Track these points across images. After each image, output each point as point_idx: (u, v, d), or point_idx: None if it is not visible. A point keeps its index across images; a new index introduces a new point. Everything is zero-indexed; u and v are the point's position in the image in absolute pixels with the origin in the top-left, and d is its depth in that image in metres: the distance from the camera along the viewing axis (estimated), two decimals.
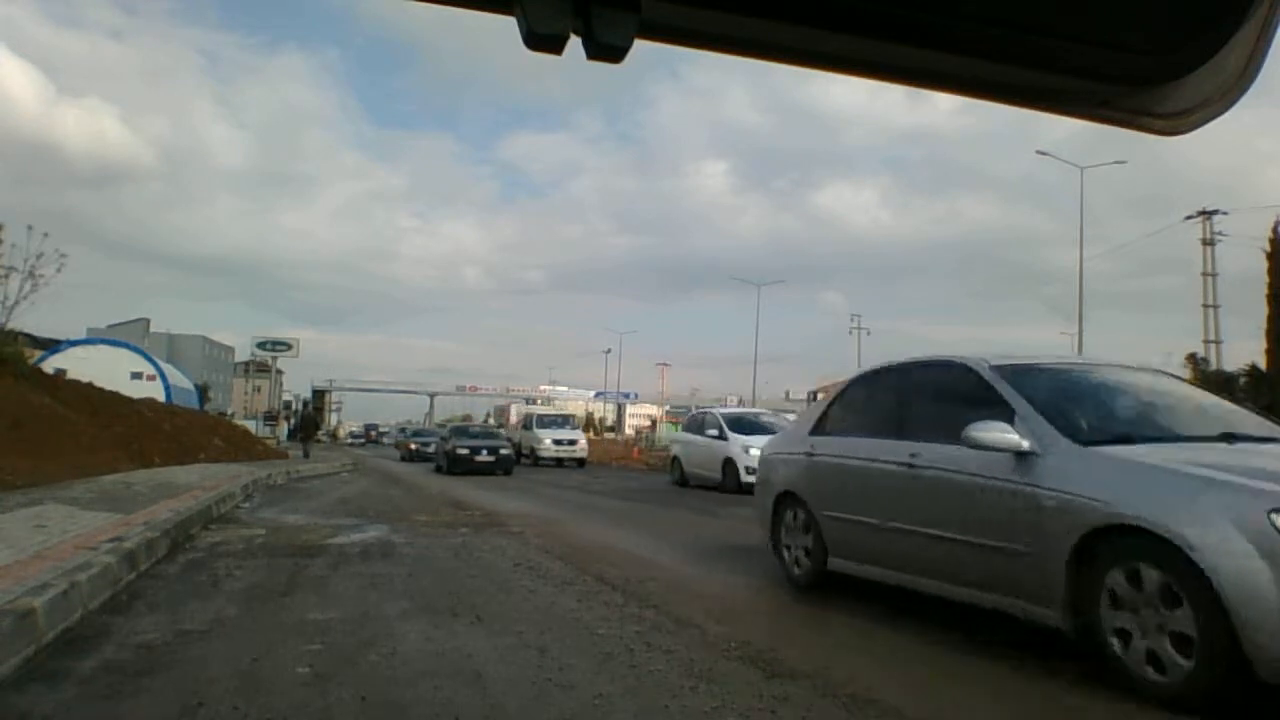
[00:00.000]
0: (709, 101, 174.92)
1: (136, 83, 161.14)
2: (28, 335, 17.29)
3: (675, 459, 17.66)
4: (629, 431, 68.34)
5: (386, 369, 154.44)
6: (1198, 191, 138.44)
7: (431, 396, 77.24)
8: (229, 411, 59.48)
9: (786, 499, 5.74)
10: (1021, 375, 4.38)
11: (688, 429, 18.29)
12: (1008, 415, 4.00)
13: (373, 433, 76.14)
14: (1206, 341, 31.80)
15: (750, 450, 13.85)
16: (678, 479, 17.04)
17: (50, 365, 21.79)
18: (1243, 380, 24.61)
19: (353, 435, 77.88)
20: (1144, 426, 4.15)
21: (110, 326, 51.63)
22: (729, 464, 14.90)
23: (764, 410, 21.04)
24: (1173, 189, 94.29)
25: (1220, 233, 31.87)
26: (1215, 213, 31.76)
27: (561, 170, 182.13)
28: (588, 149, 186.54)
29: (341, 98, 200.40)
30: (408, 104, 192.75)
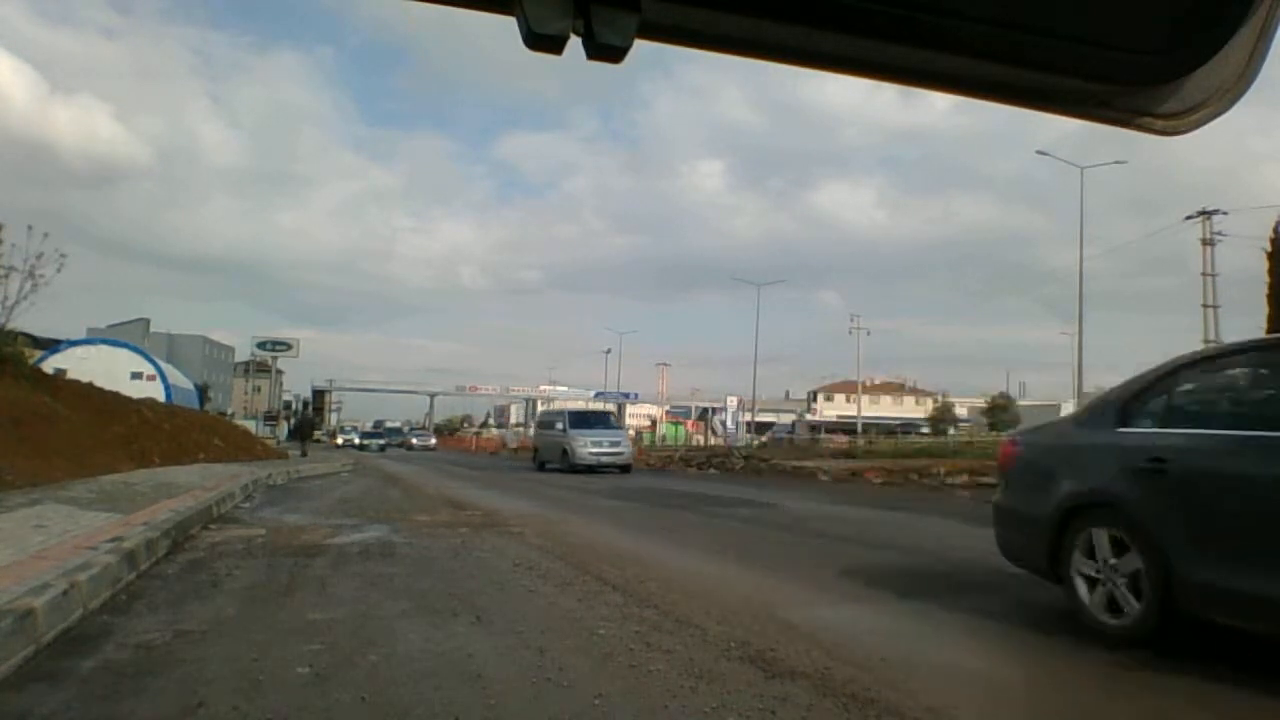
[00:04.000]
0: (704, 101, 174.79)
1: (130, 81, 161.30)
2: (28, 335, 17.27)
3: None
4: (629, 432, 68.06)
5: (386, 369, 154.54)
6: (1192, 192, 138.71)
7: (431, 396, 77.33)
8: (229, 411, 59.38)
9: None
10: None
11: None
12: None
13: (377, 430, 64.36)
14: (1206, 341, 31.83)
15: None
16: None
17: (50, 365, 21.79)
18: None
19: (361, 433, 61.72)
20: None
21: (110, 326, 51.50)
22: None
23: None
24: (1166, 189, 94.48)
25: (1219, 233, 31.93)
26: (1215, 213, 31.83)
27: (557, 170, 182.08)
28: (583, 148, 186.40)
29: (336, 97, 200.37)
30: (402, 103, 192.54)
